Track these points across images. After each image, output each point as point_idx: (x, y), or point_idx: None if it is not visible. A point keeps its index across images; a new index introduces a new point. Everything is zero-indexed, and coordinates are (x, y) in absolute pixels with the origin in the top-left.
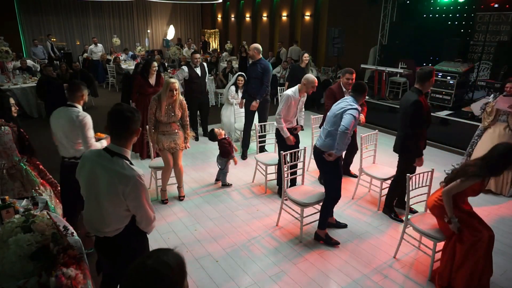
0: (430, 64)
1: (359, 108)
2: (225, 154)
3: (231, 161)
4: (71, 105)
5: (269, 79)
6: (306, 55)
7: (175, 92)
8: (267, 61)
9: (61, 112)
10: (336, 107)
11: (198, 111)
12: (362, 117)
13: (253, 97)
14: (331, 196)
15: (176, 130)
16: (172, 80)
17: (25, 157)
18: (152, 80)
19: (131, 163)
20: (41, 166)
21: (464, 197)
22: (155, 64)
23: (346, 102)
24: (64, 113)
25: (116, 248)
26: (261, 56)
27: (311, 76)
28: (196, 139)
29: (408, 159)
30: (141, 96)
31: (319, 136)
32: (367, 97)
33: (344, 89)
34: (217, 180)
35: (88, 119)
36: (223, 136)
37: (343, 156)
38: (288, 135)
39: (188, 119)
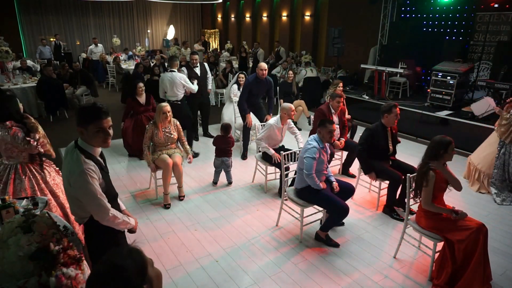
0: (430, 64)
1: (317, 146)
2: (230, 153)
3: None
4: (171, 70)
5: (273, 91)
6: (290, 72)
7: (168, 114)
8: (269, 77)
9: (167, 75)
10: (303, 147)
11: (198, 111)
12: (342, 141)
13: (255, 108)
14: (335, 213)
15: (175, 147)
16: (163, 104)
17: (38, 157)
18: (142, 99)
19: (89, 157)
20: (53, 165)
21: (437, 199)
22: (141, 85)
23: (308, 141)
24: (170, 76)
25: (86, 235)
26: None
27: (286, 105)
28: (196, 139)
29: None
30: (134, 115)
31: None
32: (366, 97)
33: (333, 111)
34: (215, 182)
35: (184, 76)
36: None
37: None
38: (273, 152)
39: (184, 137)
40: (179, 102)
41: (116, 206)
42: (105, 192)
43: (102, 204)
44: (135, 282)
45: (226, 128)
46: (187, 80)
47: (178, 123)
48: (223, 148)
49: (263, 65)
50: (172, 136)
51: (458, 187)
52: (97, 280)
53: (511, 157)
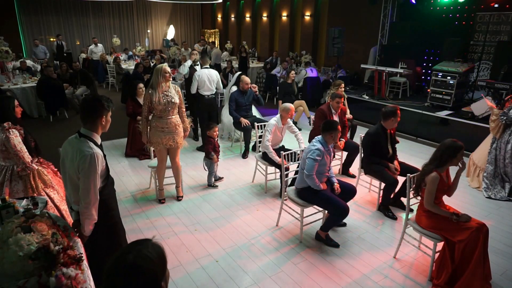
0: (430, 64)
1: (322, 149)
2: (207, 154)
3: (217, 162)
4: (206, 67)
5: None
6: (292, 72)
7: (169, 74)
8: (251, 89)
9: (205, 71)
10: (307, 147)
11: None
12: (342, 142)
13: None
14: (335, 213)
15: (177, 127)
16: (162, 64)
17: (36, 157)
18: (142, 100)
19: (95, 144)
20: (52, 166)
21: (438, 200)
22: (141, 85)
23: (313, 142)
24: (208, 72)
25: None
26: None
27: (285, 105)
28: (196, 138)
29: (373, 172)
30: (135, 115)
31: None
32: (366, 97)
33: (333, 111)
34: (216, 179)
35: (218, 73)
36: (215, 137)
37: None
38: (278, 160)
39: (183, 105)
40: (214, 96)
41: (114, 191)
42: (106, 176)
43: (94, 193)
44: (159, 275)
45: (209, 126)
46: (219, 77)
47: (179, 88)
48: (206, 148)
49: (247, 79)
50: (173, 101)
51: (450, 193)
52: (121, 268)
53: (501, 152)
